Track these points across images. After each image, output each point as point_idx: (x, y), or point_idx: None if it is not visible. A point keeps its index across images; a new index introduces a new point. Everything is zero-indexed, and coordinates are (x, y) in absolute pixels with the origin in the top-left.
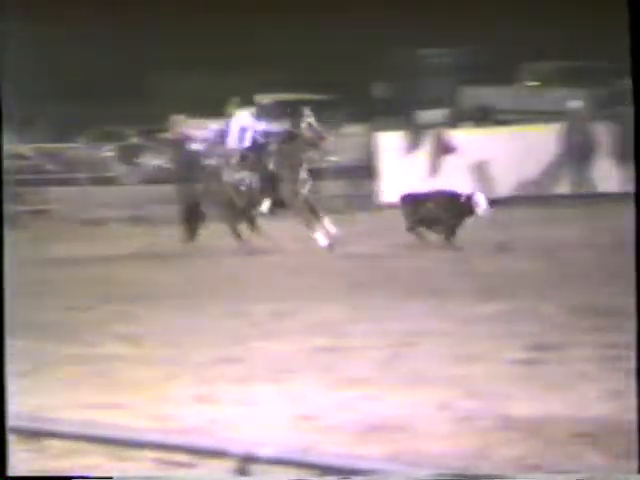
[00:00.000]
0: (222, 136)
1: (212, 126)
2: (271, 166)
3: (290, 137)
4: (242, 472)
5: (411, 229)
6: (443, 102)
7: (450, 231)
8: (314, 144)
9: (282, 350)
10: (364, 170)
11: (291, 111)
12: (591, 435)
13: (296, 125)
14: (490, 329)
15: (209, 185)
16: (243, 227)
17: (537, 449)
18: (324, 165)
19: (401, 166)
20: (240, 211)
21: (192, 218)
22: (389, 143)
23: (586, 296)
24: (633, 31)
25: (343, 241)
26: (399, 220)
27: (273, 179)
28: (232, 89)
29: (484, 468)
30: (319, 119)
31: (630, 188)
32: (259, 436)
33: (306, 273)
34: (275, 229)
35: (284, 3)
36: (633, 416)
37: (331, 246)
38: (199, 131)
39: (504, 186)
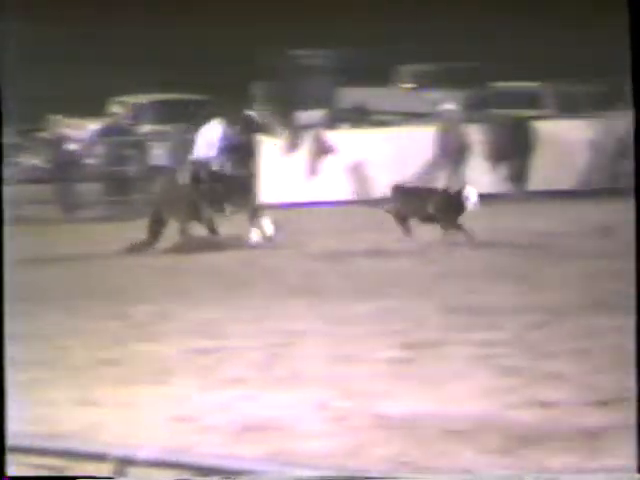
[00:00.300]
0: (100, 135)
1: (90, 126)
2: (226, 167)
3: (241, 130)
4: (120, 475)
5: (401, 221)
6: (321, 103)
7: (448, 225)
8: (269, 136)
9: (162, 352)
10: None
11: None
12: (463, 432)
13: (248, 117)
14: (366, 328)
15: (166, 189)
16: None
17: (410, 447)
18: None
19: (280, 166)
20: (198, 211)
21: (154, 223)
22: (268, 143)
23: (460, 295)
24: (633, 32)
25: (223, 241)
26: (278, 220)
27: (228, 180)
28: (110, 89)
29: (358, 466)
30: (196, 119)
31: (503, 189)
32: (138, 438)
33: (185, 274)
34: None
35: (158, 3)
36: (507, 413)
37: (259, 244)
38: (77, 131)
39: (381, 186)
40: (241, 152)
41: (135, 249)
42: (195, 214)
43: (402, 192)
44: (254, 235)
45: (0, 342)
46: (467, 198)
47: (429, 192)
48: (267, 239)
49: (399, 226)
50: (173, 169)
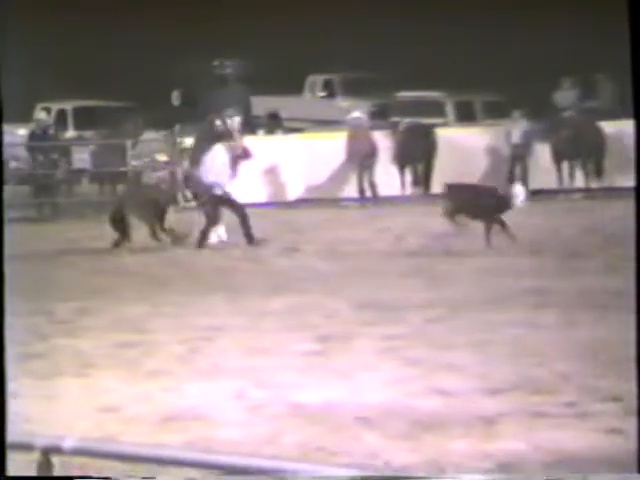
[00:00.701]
0: (30, 139)
1: (17, 131)
2: (186, 165)
3: (204, 136)
4: (45, 464)
5: (450, 216)
6: (238, 111)
7: (493, 222)
8: (229, 142)
9: (86, 346)
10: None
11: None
12: (371, 419)
13: (210, 124)
14: (281, 322)
15: (130, 187)
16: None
17: (323, 433)
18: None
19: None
20: (160, 210)
21: (118, 222)
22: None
23: (369, 292)
24: (633, 33)
25: (148, 242)
26: (195, 221)
27: (191, 178)
28: (35, 95)
29: (272, 453)
30: (117, 126)
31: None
32: (62, 428)
33: (110, 272)
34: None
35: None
36: (412, 402)
37: (218, 245)
38: (4, 136)
39: (294, 190)
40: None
41: (115, 246)
42: (160, 217)
43: (455, 190)
44: (213, 236)
45: (0, 341)
46: (516, 196)
47: (479, 190)
48: (220, 242)
49: (450, 222)
50: (137, 172)
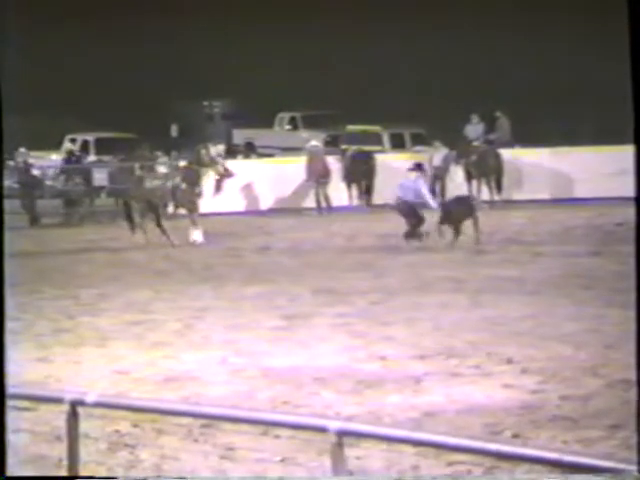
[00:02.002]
0: (61, 163)
1: (50, 157)
2: (177, 180)
3: (193, 161)
4: (72, 414)
5: (440, 224)
6: (220, 140)
7: (464, 222)
8: (209, 165)
9: (103, 323)
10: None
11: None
12: (326, 379)
13: (197, 152)
14: (254, 304)
15: (135, 188)
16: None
17: (288, 391)
18: None
19: None
20: (154, 209)
21: (129, 215)
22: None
23: (324, 281)
24: (633, 33)
25: (154, 243)
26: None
27: (177, 189)
28: (61, 129)
29: (249, 406)
30: (129, 152)
31: (355, 203)
32: (85, 387)
33: (121, 266)
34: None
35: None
36: (357, 366)
37: (196, 243)
38: (41, 161)
39: (266, 201)
40: (193, 177)
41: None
42: (155, 213)
43: (452, 203)
44: (195, 235)
45: (0, 340)
46: (479, 204)
47: (464, 199)
48: (197, 242)
49: (438, 229)
50: (140, 177)
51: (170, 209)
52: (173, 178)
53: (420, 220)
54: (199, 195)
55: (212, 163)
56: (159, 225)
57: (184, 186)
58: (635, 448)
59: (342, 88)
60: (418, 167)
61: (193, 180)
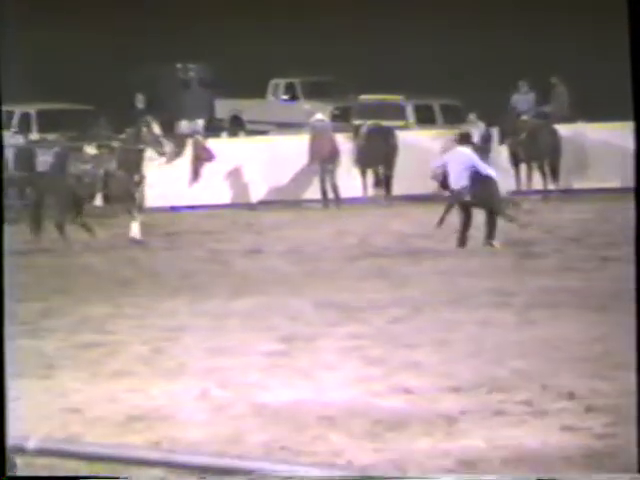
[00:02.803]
0: None
1: None
2: (112, 165)
3: (130, 140)
4: (9, 465)
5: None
6: (200, 113)
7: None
8: (152, 146)
9: (48, 347)
10: None
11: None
12: (334, 418)
13: (137, 130)
14: (243, 323)
15: (53, 174)
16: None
17: (286, 433)
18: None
19: (164, 173)
20: (78, 201)
21: (35, 211)
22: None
23: (331, 292)
24: (633, 32)
25: (110, 243)
26: (160, 223)
27: (110, 176)
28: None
29: (236, 452)
30: (81, 128)
31: (371, 193)
32: (26, 429)
33: (71, 273)
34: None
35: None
36: (370, 400)
37: (137, 241)
38: None
39: (257, 191)
40: (132, 161)
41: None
42: (78, 209)
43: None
44: (135, 231)
45: (0, 341)
46: None
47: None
48: (133, 239)
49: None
50: (62, 160)
51: (98, 201)
52: (106, 162)
53: (470, 218)
54: (138, 184)
55: (155, 144)
56: (78, 221)
57: (120, 173)
58: None
59: (354, 45)
60: (465, 139)
61: (132, 165)
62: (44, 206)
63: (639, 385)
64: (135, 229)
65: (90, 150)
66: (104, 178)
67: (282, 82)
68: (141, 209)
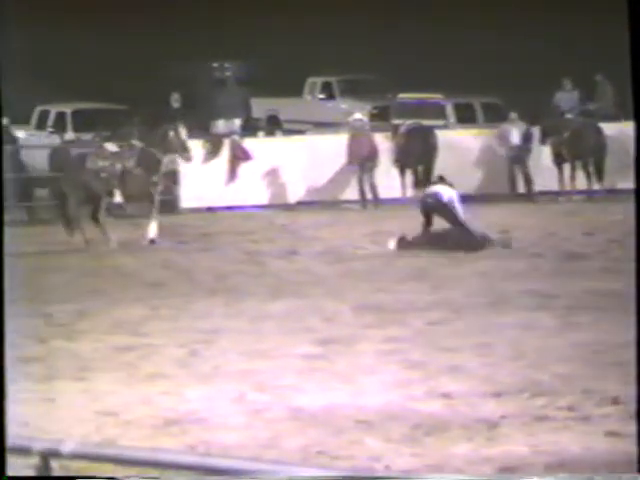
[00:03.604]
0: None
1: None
2: (131, 162)
3: (155, 142)
4: (44, 468)
5: None
6: (237, 112)
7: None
8: (178, 151)
9: (84, 349)
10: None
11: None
12: (372, 422)
13: (164, 135)
14: (280, 325)
15: (72, 171)
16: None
17: (323, 437)
18: None
19: (200, 173)
20: (94, 197)
21: (64, 209)
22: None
23: (369, 294)
24: (633, 32)
25: (143, 243)
26: (196, 224)
27: (128, 174)
28: (34, 99)
29: (273, 457)
30: (116, 128)
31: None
32: (61, 432)
33: (105, 274)
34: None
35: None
36: (408, 404)
37: (152, 242)
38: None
39: (294, 192)
40: (151, 162)
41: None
42: (95, 206)
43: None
44: (151, 231)
45: (0, 342)
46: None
47: None
48: (150, 240)
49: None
50: (82, 155)
51: (117, 198)
52: (125, 159)
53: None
54: (156, 185)
55: (182, 149)
56: (95, 219)
57: (138, 171)
58: None
59: (391, 44)
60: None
61: (150, 165)
62: (69, 205)
63: (639, 386)
64: (153, 230)
65: (110, 147)
66: (121, 175)
67: (319, 81)
68: (158, 209)
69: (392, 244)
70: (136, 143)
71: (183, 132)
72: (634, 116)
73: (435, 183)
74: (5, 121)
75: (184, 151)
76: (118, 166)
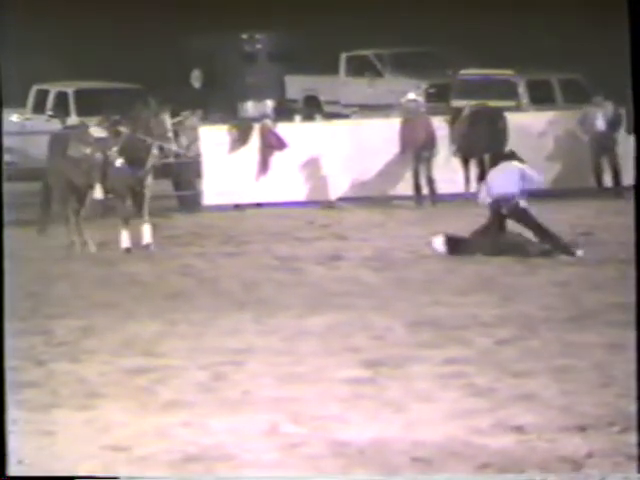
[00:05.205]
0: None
1: (12, 118)
2: (113, 151)
3: (142, 129)
4: None
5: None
6: (269, 93)
7: None
8: (163, 139)
9: (90, 372)
10: (189, 167)
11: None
12: (430, 460)
13: (146, 119)
14: (320, 344)
15: (54, 158)
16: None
17: (371, 477)
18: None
19: (226, 164)
20: (76, 191)
21: (47, 203)
22: (212, 138)
23: (426, 308)
24: (633, 31)
25: (159, 246)
26: (221, 224)
27: (109, 165)
28: (37, 76)
29: None
30: (127, 109)
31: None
32: (63, 471)
33: (114, 283)
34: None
35: None
36: (474, 438)
37: (129, 250)
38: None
39: (336, 187)
40: (138, 151)
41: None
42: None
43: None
44: (124, 240)
45: (0, 342)
46: None
47: None
48: (144, 246)
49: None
50: (65, 139)
51: (98, 194)
52: (108, 148)
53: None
54: (142, 179)
55: (163, 139)
56: (77, 216)
57: (120, 162)
58: None
59: (450, 16)
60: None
61: (135, 155)
62: (53, 198)
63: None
64: (146, 233)
65: (96, 132)
66: (102, 166)
67: (365, 54)
68: (147, 209)
69: (439, 244)
70: (122, 129)
71: (167, 121)
72: (634, 116)
73: (504, 158)
74: None
75: (165, 141)
76: (99, 155)
